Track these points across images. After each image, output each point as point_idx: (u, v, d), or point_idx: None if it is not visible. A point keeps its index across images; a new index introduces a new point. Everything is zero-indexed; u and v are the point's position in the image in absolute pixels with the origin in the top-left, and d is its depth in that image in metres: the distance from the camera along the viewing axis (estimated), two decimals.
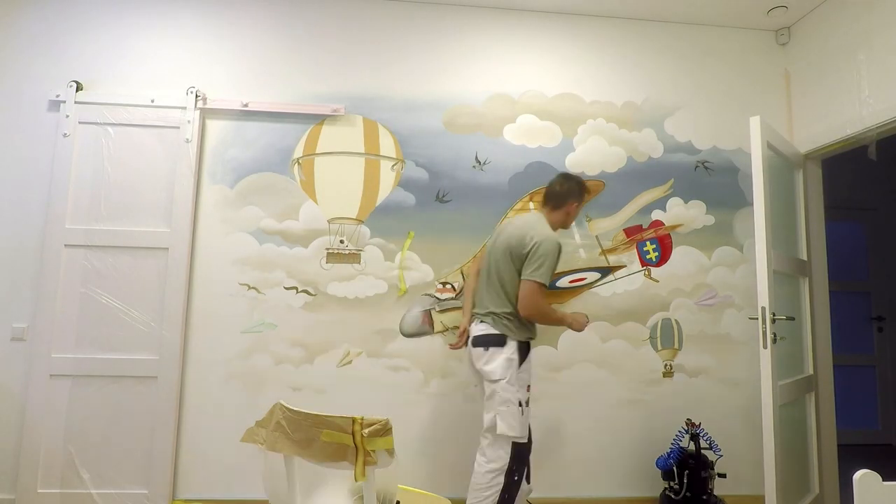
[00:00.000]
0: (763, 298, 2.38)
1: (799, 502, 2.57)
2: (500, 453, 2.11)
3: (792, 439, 2.59)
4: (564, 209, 2.34)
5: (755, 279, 2.96)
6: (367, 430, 1.25)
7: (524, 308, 2.13)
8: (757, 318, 2.41)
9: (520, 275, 2.16)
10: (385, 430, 1.26)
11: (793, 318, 2.61)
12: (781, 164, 2.78)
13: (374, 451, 1.25)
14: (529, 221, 2.26)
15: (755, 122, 2.47)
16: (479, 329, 2.23)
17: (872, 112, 2.55)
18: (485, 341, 2.19)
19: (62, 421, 2.55)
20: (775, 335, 2.38)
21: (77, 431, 2.55)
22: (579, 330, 2.31)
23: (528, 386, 2.21)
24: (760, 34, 3.17)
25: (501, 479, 2.08)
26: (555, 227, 2.31)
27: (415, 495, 1.80)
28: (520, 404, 2.12)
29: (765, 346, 2.35)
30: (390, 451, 1.27)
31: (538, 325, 2.30)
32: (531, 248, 2.13)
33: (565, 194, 2.34)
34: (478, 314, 2.29)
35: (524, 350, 2.21)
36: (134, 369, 2.59)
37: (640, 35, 3.10)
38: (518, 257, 2.17)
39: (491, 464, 2.11)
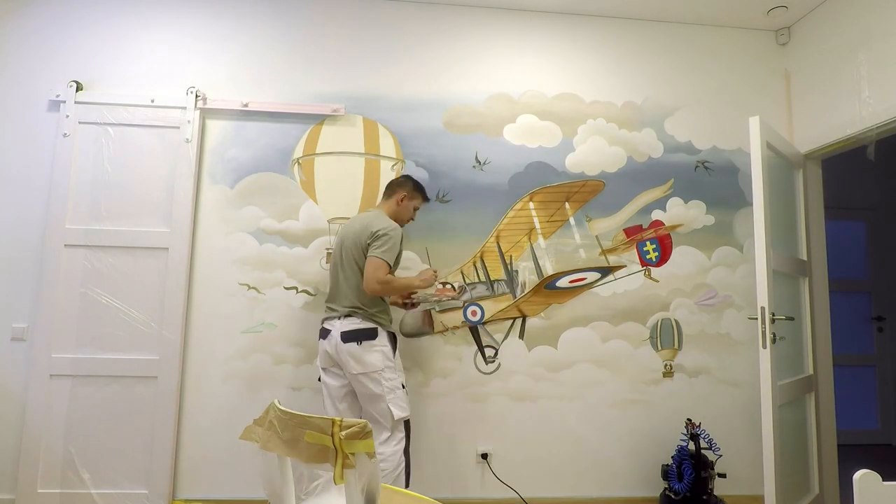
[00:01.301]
0: (762, 298, 2.38)
1: (799, 502, 2.57)
2: (399, 436, 2.28)
3: (792, 439, 2.59)
4: (395, 198, 2.49)
5: (755, 279, 2.96)
6: (344, 433, 1.23)
7: (368, 282, 2.25)
8: (756, 318, 2.41)
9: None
10: (363, 432, 1.24)
11: (792, 318, 2.61)
12: (781, 164, 2.78)
13: (352, 454, 1.24)
14: (371, 216, 2.39)
15: (754, 122, 2.47)
16: (346, 325, 2.27)
17: (872, 112, 2.55)
18: (356, 336, 2.25)
19: (62, 421, 2.55)
20: (775, 335, 2.38)
21: (77, 431, 2.55)
22: (429, 284, 2.48)
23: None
24: (760, 34, 3.17)
25: (404, 458, 2.27)
26: (394, 219, 2.44)
27: (403, 497, 1.80)
28: (403, 386, 2.32)
29: (764, 346, 2.35)
30: (370, 455, 1.26)
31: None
32: (376, 233, 2.29)
33: (396, 185, 2.53)
34: (338, 310, 2.32)
35: (393, 339, 2.35)
36: (134, 369, 2.59)
37: (641, 35, 3.10)
38: (365, 247, 2.30)
39: (396, 446, 2.25)
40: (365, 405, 2.29)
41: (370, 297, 2.30)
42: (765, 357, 2.35)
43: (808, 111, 2.99)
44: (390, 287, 2.34)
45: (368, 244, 2.28)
